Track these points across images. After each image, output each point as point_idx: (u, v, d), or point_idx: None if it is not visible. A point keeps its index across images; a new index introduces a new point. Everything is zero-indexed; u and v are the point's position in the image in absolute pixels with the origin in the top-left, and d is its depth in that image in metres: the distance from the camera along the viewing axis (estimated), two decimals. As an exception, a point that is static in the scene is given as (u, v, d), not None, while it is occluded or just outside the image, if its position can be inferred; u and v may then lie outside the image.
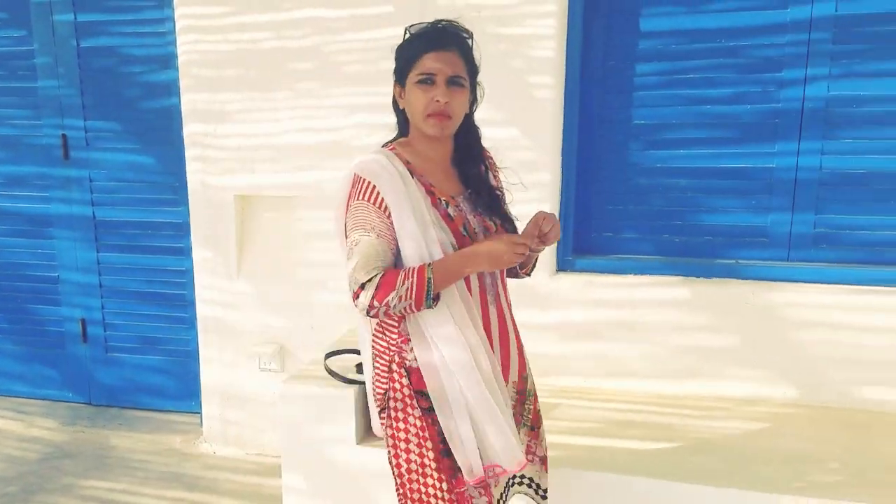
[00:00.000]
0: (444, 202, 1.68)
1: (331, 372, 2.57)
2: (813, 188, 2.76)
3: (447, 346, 1.64)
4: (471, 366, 1.64)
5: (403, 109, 1.71)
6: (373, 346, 1.80)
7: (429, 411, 1.68)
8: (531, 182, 2.87)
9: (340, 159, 3.02)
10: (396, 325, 1.71)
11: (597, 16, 2.85)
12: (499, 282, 1.79)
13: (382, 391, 1.74)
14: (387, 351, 1.74)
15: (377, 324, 1.78)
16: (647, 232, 3.00)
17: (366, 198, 1.62)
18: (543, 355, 3.02)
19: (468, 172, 1.77)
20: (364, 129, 2.98)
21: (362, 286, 1.59)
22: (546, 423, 2.42)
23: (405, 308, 1.60)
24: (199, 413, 3.52)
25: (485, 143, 2.90)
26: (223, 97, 3.11)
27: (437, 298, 1.60)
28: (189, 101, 3.17)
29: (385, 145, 1.76)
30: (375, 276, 1.58)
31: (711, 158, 2.86)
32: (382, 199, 1.60)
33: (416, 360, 1.68)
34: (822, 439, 2.52)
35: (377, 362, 1.77)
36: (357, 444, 2.53)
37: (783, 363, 2.80)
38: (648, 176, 2.95)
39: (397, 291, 1.57)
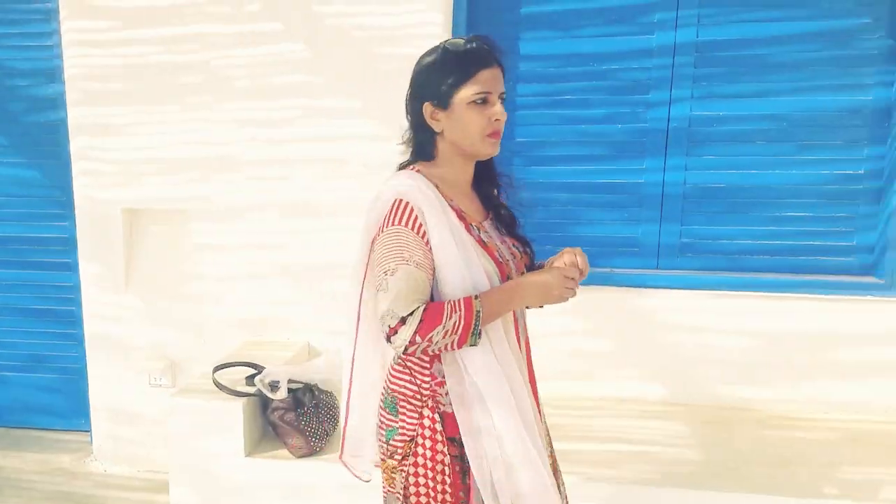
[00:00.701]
0: (475, 227, 1.57)
1: (219, 385, 2.60)
2: (678, 201, 2.98)
3: (487, 385, 1.52)
4: (511, 406, 1.53)
5: (439, 132, 1.57)
6: (393, 391, 1.62)
7: (457, 459, 1.57)
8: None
9: (230, 173, 3.05)
10: (428, 365, 1.57)
11: (479, 38, 2.99)
12: (525, 313, 1.71)
13: (409, 437, 1.58)
14: (417, 395, 1.58)
15: (398, 364, 1.62)
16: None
17: (403, 223, 1.47)
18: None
19: (488, 193, 1.68)
20: (254, 143, 3.02)
21: (402, 320, 1.42)
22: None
23: (448, 345, 1.45)
24: (89, 431, 3.44)
25: (378, 157, 3.02)
26: (111, 111, 3.08)
27: (480, 334, 1.47)
28: (76, 114, 3.12)
29: (404, 167, 1.62)
30: (417, 308, 1.43)
31: (588, 174, 3.04)
32: (421, 225, 1.48)
33: (450, 404, 1.56)
34: (687, 434, 2.72)
35: (402, 407, 1.60)
36: (246, 456, 2.57)
37: (654, 364, 3.01)
38: (532, 190, 3.10)
39: (443, 326, 1.42)
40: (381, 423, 1.65)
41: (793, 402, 2.90)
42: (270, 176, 3.02)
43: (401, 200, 1.50)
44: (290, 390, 2.57)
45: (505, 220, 1.67)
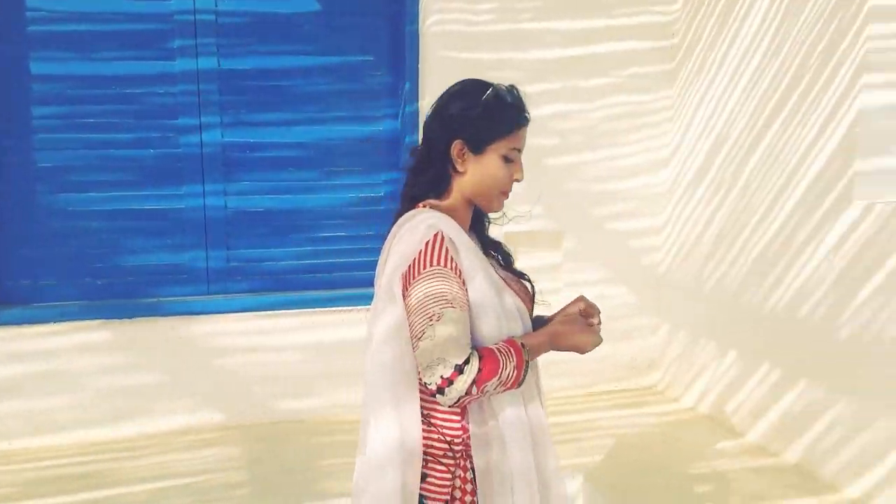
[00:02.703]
0: (491, 265, 1.52)
1: None
2: (221, 226, 3.01)
3: (509, 425, 1.44)
4: (527, 450, 1.46)
5: (461, 171, 1.46)
6: (425, 451, 1.44)
7: None
8: None
9: None
10: (460, 416, 1.44)
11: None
12: None
13: (443, 501, 1.44)
14: (448, 452, 1.44)
15: (423, 420, 1.44)
16: (67, 277, 2.92)
17: (441, 262, 1.38)
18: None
19: (484, 232, 1.62)
20: None
21: (459, 369, 1.30)
22: None
23: (495, 394, 1.40)
24: None
25: None
26: None
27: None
28: None
29: (414, 198, 1.49)
30: (472, 356, 1.33)
31: (123, 200, 2.91)
32: (457, 264, 1.39)
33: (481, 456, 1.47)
34: (239, 456, 2.75)
35: (431, 469, 1.44)
36: None
37: (209, 390, 2.99)
38: (62, 219, 2.88)
39: (499, 377, 1.34)
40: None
41: (336, 406, 3.10)
42: None
43: (438, 236, 1.39)
44: None
45: (504, 257, 1.63)
